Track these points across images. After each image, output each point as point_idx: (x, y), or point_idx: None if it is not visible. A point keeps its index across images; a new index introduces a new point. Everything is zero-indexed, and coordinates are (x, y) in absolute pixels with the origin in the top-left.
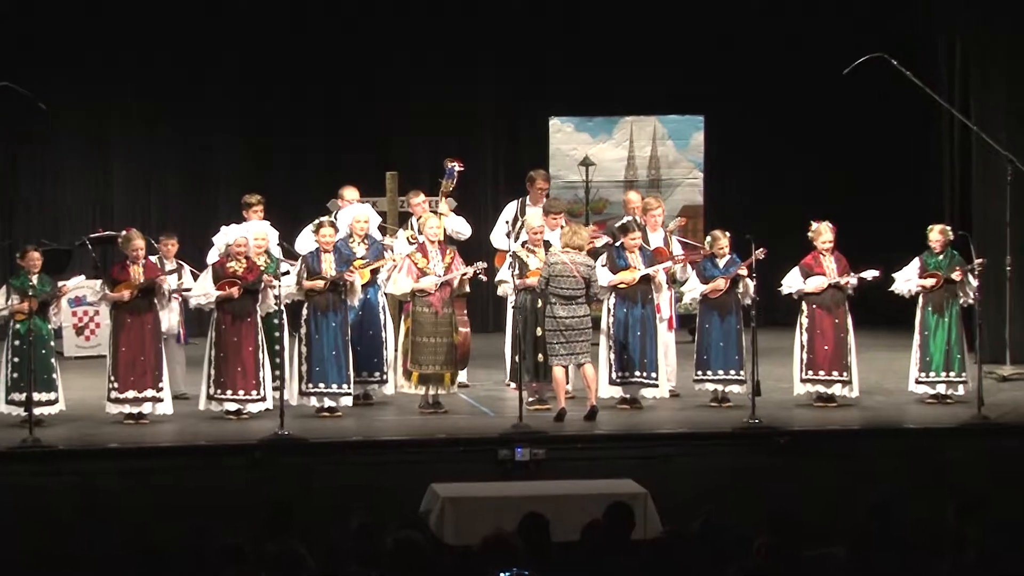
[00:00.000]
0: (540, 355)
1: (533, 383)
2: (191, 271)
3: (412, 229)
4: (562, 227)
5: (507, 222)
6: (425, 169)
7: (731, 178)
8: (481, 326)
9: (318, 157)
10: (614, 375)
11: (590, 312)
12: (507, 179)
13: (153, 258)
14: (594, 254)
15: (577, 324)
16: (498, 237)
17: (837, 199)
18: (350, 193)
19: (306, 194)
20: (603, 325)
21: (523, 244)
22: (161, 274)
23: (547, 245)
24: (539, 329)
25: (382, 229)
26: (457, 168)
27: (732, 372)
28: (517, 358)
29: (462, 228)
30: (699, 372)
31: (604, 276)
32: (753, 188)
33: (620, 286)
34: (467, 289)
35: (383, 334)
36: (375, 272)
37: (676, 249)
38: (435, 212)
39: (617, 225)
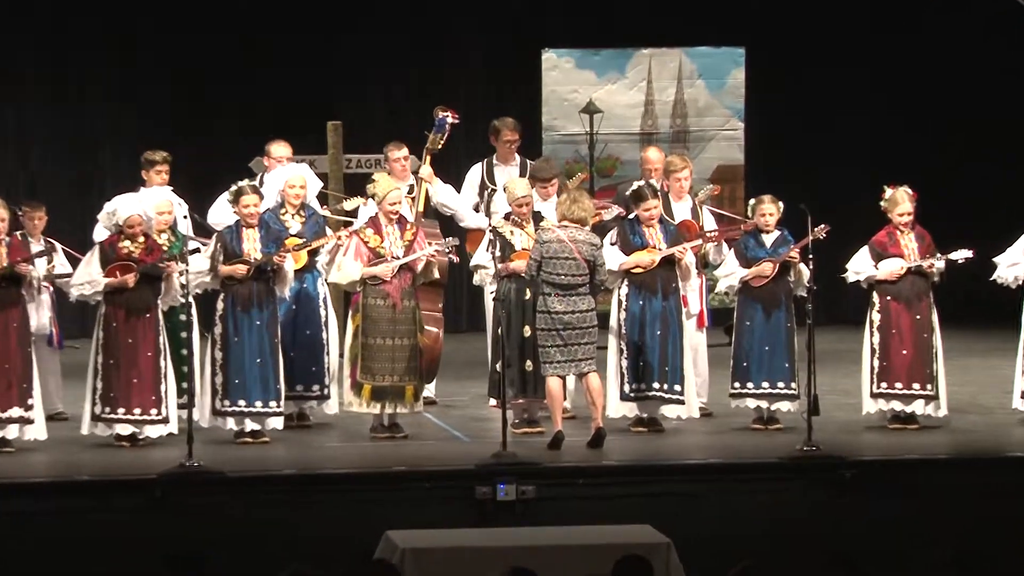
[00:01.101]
0: (529, 362)
1: (520, 399)
2: (65, 252)
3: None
4: (558, 195)
5: (474, 191)
6: (380, 119)
7: (781, 129)
8: (454, 324)
9: (239, 101)
10: (627, 388)
11: (595, 306)
12: (486, 131)
13: (20, 235)
14: (601, 229)
15: (578, 321)
16: (466, 213)
17: (920, 158)
18: (280, 149)
19: (223, 152)
20: (612, 322)
21: (507, 217)
22: (27, 256)
23: (538, 217)
24: (528, 328)
25: (322, 197)
26: (450, 120)
27: (781, 384)
28: (499, 366)
29: (452, 201)
30: (738, 384)
31: (614, 258)
32: (810, 143)
33: (635, 271)
34: (435, 275)
35: (324, 335)
36: (314, 254)
37: (709, 223)
38: (416, 175)
39: (629, 191)
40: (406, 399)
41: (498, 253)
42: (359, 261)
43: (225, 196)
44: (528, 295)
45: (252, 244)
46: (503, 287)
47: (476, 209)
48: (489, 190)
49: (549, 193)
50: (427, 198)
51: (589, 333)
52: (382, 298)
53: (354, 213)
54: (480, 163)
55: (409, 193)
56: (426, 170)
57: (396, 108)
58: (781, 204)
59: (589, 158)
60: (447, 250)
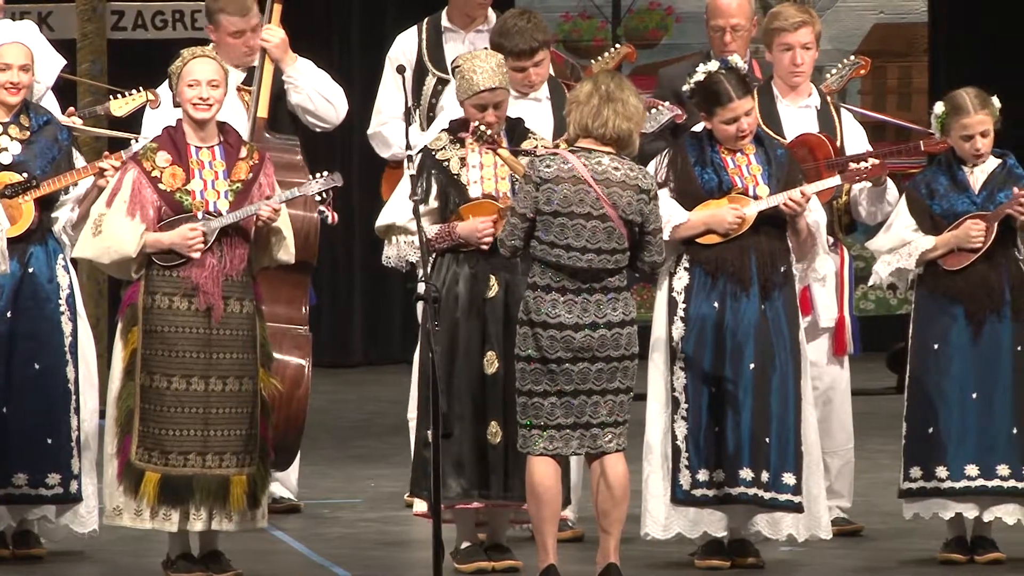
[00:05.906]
0: (495, 426)
1: (473, 500)
2: None
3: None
4: (554, 85)
5: (396, 72)
6: None
7: None
8: (339, 351)
9: None
10: (685, 480)
11: (634, 314)
12: None
13: None
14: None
15: (603, 346)
16: (387, 122)
17: None
18: None
19: None
20: (659, 341)
21: (453, 129)
22: None
23: (518, 131)
24: (492, 357)
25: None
26: None
27: (1004, 471)
28: (430, 433)
29: (329, 95)
30: (917, 471)
31: (670, 214)
32: None
33: (704, 241)
34: (290, 253)
35: (68, 370)
36: (48, 206)
37: (854, 140)
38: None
39: (694, 80)
40: (232, 503)
41: (433, 203)
42: (139, 218)
43: None
44: (493, 290)
45: None
46: (442, 274)
47: (408, 114)
48: (433, 79)
49: (532, 81)
50: (277, 92)
51: (624, 371)
52: (184, 296)
53: (137, 124)
54: (412, 30)
55: (246, 85)
56: (273, 32)
57: None
58: (997, 102)
59: (612, 10)
60: (319, 198)
